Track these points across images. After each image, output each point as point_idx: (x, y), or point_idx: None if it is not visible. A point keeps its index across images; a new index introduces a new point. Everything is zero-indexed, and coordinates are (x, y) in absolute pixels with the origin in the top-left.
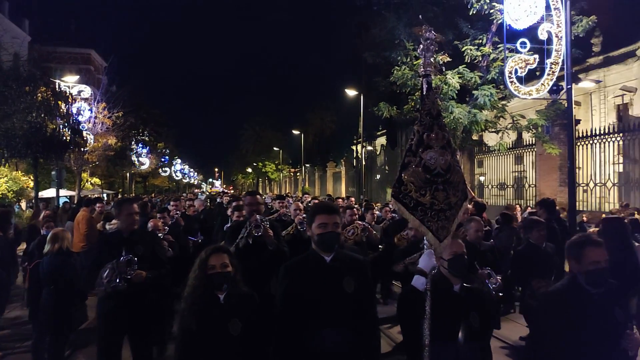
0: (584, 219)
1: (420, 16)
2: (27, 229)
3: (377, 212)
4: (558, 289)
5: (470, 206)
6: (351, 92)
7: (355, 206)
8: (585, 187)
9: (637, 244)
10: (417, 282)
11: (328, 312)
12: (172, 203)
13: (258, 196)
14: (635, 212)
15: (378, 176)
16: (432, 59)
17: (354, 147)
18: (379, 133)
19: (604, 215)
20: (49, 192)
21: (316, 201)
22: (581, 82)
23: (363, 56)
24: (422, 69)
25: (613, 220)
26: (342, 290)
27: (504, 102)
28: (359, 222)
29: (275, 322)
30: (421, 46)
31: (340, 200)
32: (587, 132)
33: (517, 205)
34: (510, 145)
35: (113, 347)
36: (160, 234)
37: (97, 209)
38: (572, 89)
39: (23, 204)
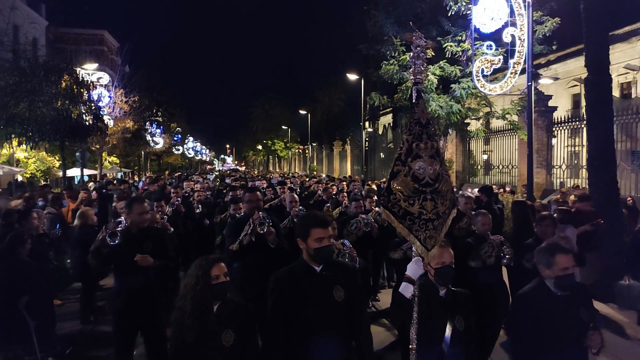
0: (555, 198)
1: (411, 23)
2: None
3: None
4: (526, 292)
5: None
6: (352, 77)
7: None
8: (557, 168)
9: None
10: (405, 289)
11: (318, 321)
12: (172, 190)
13: (258, 192)
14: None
15: (382, 154)
16: (422, 67)
17: (362, 124)
18: (384, 112)
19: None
20: (74, 171)
21: (319, 186)
22: (540, 78)
23: (358, 48)
24: (412, 77)
25: (519, 202)
26: (332, 299)
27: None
28: (363, 215)
29: (266, 332)
30: (411, 54)
31: (344, 183)
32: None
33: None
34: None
35: (127, 343)
36: (157, 225)
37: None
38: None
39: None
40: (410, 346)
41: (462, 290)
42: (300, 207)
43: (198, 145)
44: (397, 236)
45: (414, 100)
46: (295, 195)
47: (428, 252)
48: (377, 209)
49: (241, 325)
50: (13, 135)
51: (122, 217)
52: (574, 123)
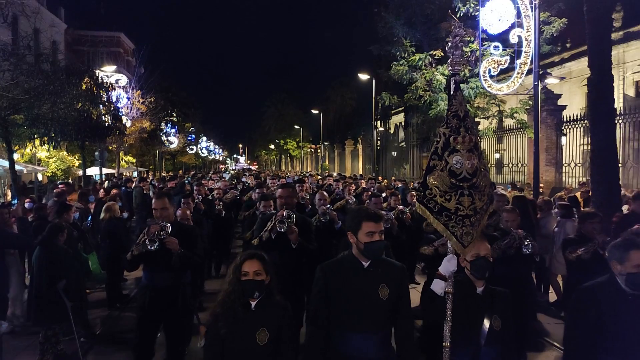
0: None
1: (449, 12)
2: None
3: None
4: (593, 286)
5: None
6: (364, 77)
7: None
8: (566, 166)
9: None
10: (436, 286)
11: (359, 317)
12: (195, 188)
13: (292, 189)
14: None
15: (394, 153)
16: (460, 58)
17: (373, 123)
18: (395, 111)
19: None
20: (93, 170)
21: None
22: (548, 77)
23: (369, 48)
24: (450, 68)
25: (519, 197)
26: (376, 296)
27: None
28: (382, 212)
29: (306, 321)
30: (449, 44)
31: (363, 181)
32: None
33: None
34: (520, 126)
35: (147, 339)
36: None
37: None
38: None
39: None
40: (444, 344)
41: (501, 289)
42: (328, 206)
43: (211, 145)
44: (422, 237)
45: (451, 92)
46: (325, 193)
47: (464, 248)
48: (401, 207)
49: (278, 326)
50: (36, 136)
51: (167, 223)
52: (585, 121)
